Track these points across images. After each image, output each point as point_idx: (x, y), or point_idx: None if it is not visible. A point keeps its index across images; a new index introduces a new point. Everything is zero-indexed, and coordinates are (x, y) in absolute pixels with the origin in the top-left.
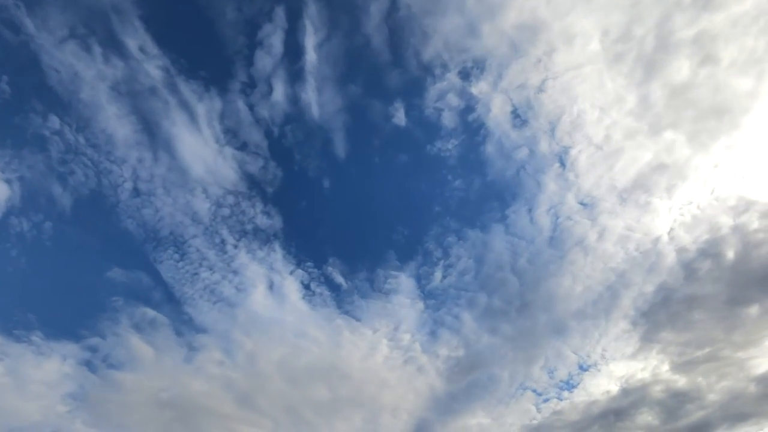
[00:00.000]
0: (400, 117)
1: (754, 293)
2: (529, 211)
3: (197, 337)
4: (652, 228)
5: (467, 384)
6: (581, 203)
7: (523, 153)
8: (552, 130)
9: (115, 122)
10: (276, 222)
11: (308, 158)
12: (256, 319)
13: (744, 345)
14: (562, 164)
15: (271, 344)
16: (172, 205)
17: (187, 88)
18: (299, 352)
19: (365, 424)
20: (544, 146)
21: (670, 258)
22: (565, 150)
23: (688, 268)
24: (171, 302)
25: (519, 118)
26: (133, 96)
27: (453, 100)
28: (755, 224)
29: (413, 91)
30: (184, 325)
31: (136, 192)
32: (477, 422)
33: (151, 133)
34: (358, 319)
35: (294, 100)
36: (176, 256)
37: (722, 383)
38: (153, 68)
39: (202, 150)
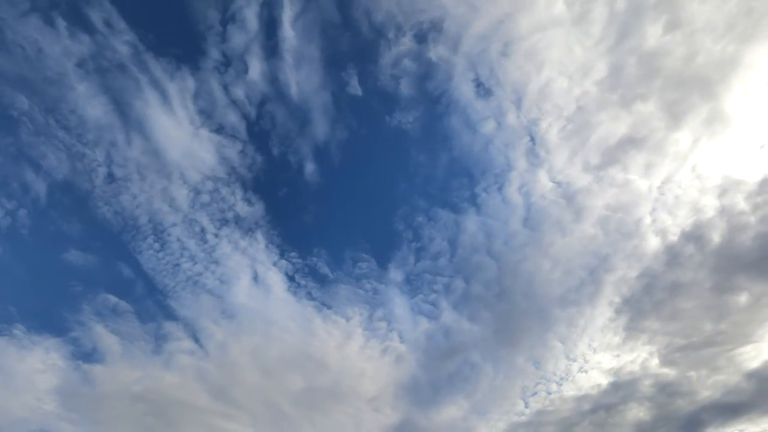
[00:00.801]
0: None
1: (742, 280)
2: (500, 189)
3: (178, 330)
4: (633, 209)
5: (449, 375)
6: (554, 181)
7: (489, 126)
8: (518, 100)
9: (85, 102)
10: (257, 210)
11: (288, 140)
12: (238, 310)
13: (734, 337)
14: (532, 139)
15: (251, 336)
16: (149, 191)
17: (157, 66)
18: (281, 344)
19: (346, 417)
20: (511, 118)
21: (653, 241)
22: (534, 122)
23: (672, 253)
24: (153, 294)
25: (482, 86)
26: (102, 74)
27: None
28: (742, 205)
29: (368, 57)
30: (167, 319)
31: (111, 177)
32: (462, 415)
33: (123, 113)
34: (330, 308)
35: (271, 78)
36: (156, 245)
37: (714, 377)
38: (120, 44)
39: (177, 132)
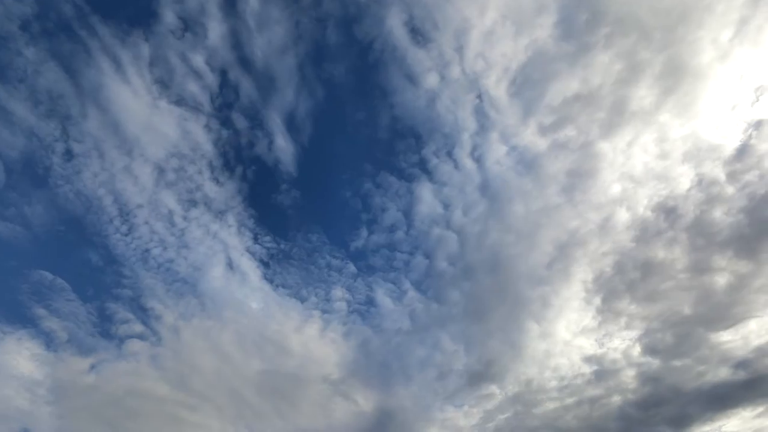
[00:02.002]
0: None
1: (719, 259)
2: (450, 153)
3: (158, 324)
4: (597, 175)
5: (419, 360)
6: (509, 145)
7: (432, 79)
8: (461, 48)
9: (34, 70)
10: (228, 189)
11: (254, 112)
12: (209, 297)
13: (716, 321)
14: (479, 96)
15: (224, 324)
16: (110, 169)
17: (105, 31)
18: (249, 330)
19: (311, 406)
20: (455, 71)
21: (623, 214)
22: (481, 75)
23: (643, 227)
24: (123, 282)
25: (419, 31)
26: (49, 38)
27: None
28: (717, 172)
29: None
30: (141, 310)
31: (69, 154)
32: (438, 405)
33: (76, 83)
34: (282, 286)
35: (234, 43)
36: (124, 228)
37: (699, 368)
38: (63, 4)
39: (134, 104)
